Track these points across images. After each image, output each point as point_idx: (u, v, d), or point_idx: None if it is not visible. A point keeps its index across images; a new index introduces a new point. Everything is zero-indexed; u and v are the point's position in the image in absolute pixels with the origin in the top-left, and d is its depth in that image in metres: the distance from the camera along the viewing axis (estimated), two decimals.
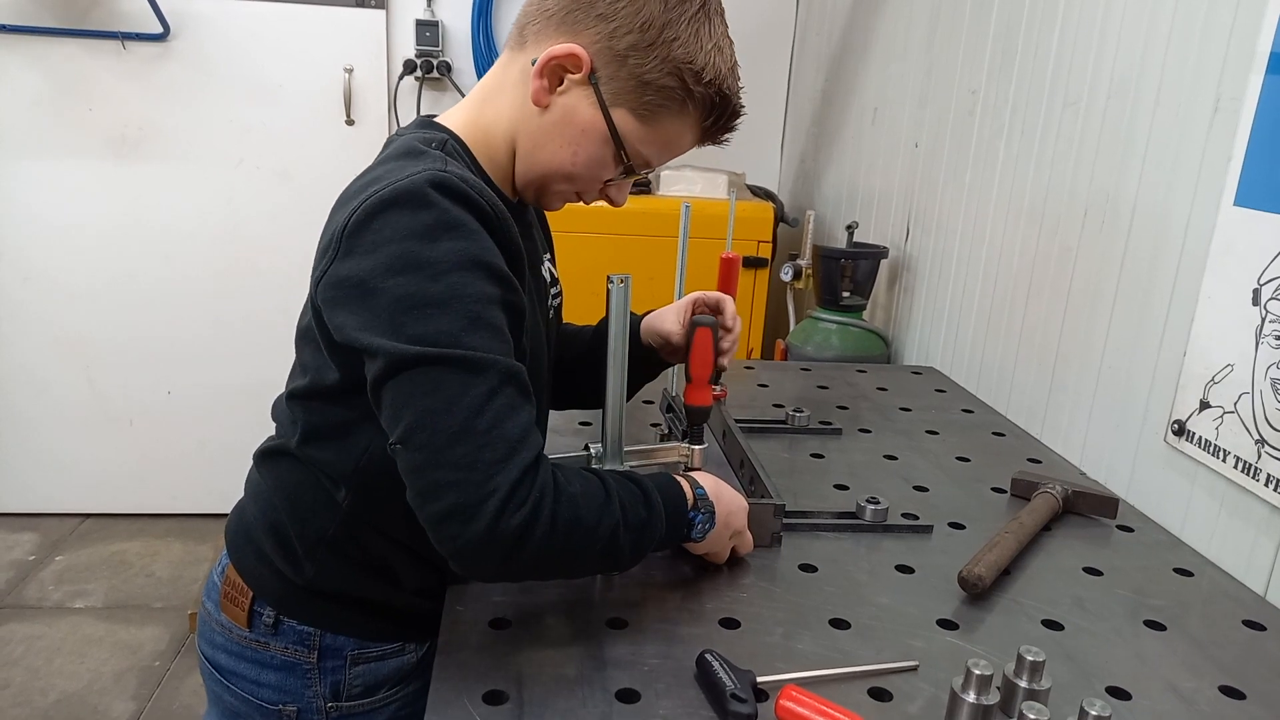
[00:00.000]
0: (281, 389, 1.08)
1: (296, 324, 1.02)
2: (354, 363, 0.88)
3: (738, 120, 1.02)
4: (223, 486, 1.13)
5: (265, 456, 1.08)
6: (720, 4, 1.00)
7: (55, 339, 3.36)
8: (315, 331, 0.95)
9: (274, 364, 1.10)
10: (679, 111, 0.98)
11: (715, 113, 0.99)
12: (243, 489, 1.12)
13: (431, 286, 0.83)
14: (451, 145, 0.98)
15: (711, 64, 0.96)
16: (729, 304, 1.23)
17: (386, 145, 1.03)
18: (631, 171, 1.02)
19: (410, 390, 0.82)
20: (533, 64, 0.96)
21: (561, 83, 0.97)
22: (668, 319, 1.24)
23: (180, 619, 2.90)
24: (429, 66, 3.26)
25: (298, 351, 1.03)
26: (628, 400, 1.06)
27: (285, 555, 1.03)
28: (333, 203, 0.96)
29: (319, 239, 0.94)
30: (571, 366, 1.26)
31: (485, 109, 1.03)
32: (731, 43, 1.00)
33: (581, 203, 1.08)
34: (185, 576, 3.16)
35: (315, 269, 0.92)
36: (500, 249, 0.89)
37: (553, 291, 1.17)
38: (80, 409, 3.43)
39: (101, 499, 3.52)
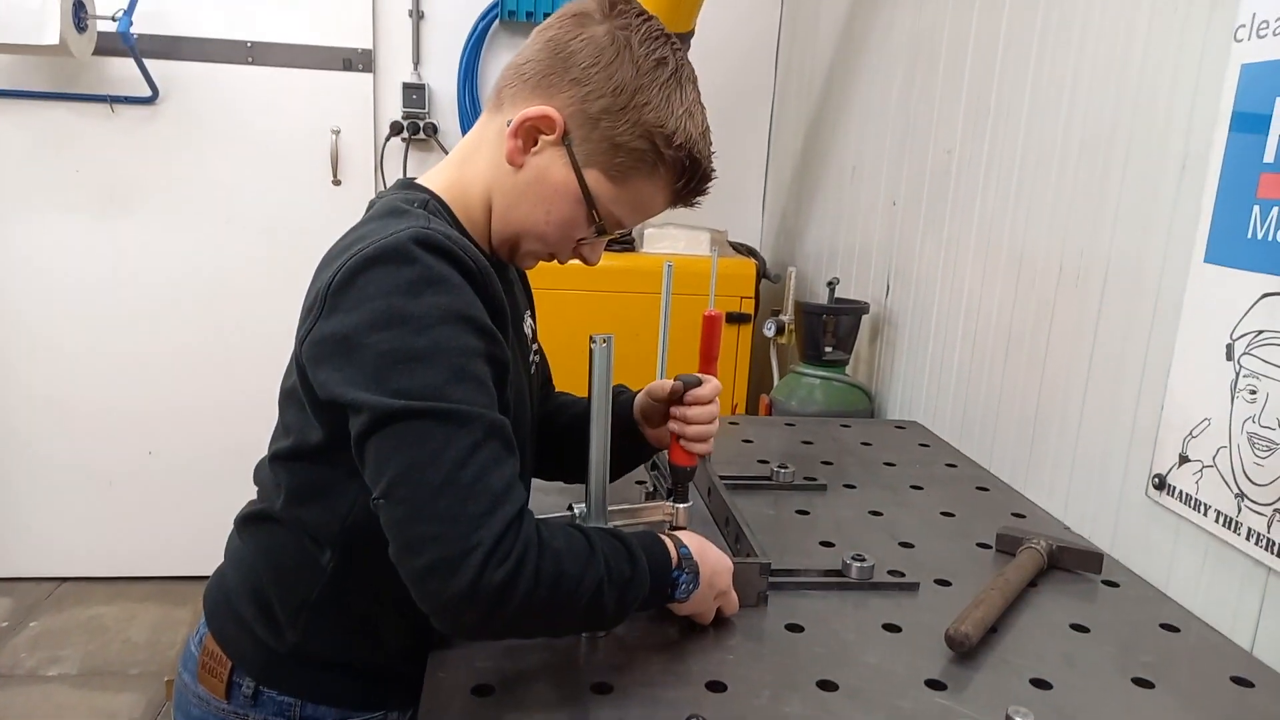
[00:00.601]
0: (264, 451, 1.07)
1: (280, 385, 1.02)
2: (338, 421, 0.88)
3: (709, 184, 1.04)
4: (203, 548, 1.12)
5: (246, 522, 1.07)
6: (693, 72, 1.02)
7: (35, 399, 3.33)
8: (300, 391, 0.94)
9: (257, 425, 1.10)
10: (650, 174, 1.00)
11: (686, 175, 1.01)
12: (223, 551, 1.11)
13: (415, 341, 0.83)
14: (433, 204, 1.00)
15: (682, 128, 0.98)
16: (710, 385, 1.17)
17: (370, 207, 1.04)
18: (603, 231, 1.03)
19: (395, 444, 0.82)
20: (508, 125, 0.99)
21: (535, 143, 0.99)
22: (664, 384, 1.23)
23: (157, 685, 2.83)
24: (415, 128, 3.31)
25: (281, 413, 1.02)
26: (613, 480, 1.06)
27: (267, 622, 1.01)
28: (318, 263, 0.97)
29: (304, 300, 0.94)
30: (560, 437, 1.25)
31: (464, 169, 1.05)
32: (704, 109, 1.02)
33: (556, 262, 1.09)
34: (163, 641, 3.09)
35: (300, 329, 0.92)
36: (484, 303, 0.90)
37: (533, 349, 1.18)
38: (59, 470, 3.39)
39: (78, 562, 3.46)
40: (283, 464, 1.00)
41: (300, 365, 0.92)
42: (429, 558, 0.79)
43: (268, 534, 1.03)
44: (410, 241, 0.86)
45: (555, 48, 0.98)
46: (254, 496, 1.09)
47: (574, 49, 0.97)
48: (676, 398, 1.15)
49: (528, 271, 1.20)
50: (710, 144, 1.03)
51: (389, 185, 1.09)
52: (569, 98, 0.97)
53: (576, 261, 1.09)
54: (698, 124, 1.00)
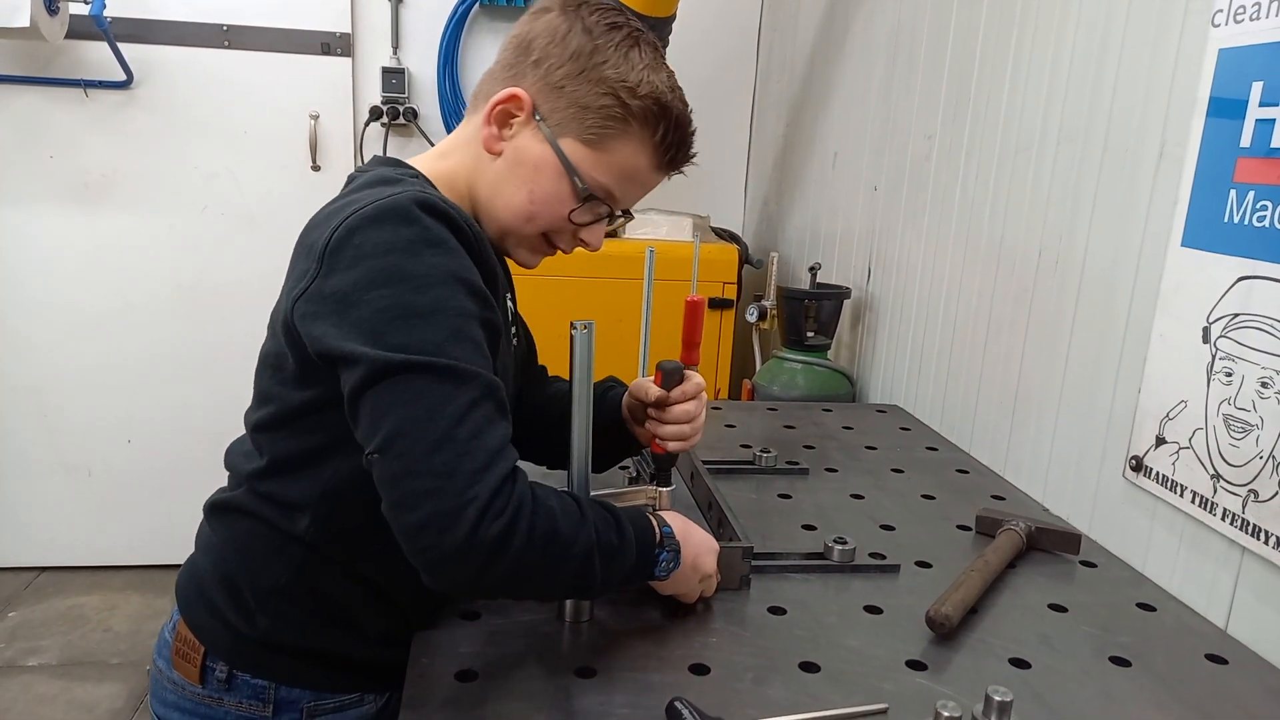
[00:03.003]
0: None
1: (258, 355, 1.02)
2: (326, 381, 0.88)
3: (690, 135, 1.05)
4: (183, 537, 1.11)
5: (214, 509, 1.07)
6: (656, 43, 1.05)
7: (14, 388, 3.29)
8: (287, 353, 0.94)
9: (237, 413, 1.09)
10: (623, 131, 1.01)
11: (660, 126, 1.02)
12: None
13: (416, 298, 0.84)
14: (423, 179, 1.02)
15: (645, 80, 1.00)
16: (693, 380, 1.18)
17: (349, 182, 1.04)
18: (592, 199, 1.03)
19: (392, 398, 0.82)
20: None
21: (510, 127, 1.02)
22: (648, 386, 1.21)
23: (138, 675, 2.82)
24: (395, 113, 3.28)
25: (257, 383, 1.02)
26: (602, 470, 1.07)
27: (238, 608, 1.01)
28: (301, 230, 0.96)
29: (290, 266, 0.94)
30: (551, 427, 1.24)
31: (442, 162, 1.07)
32: (670, 71, 1.04)
33: (561, 250, 1.10)
34: (144, 630, 3.08)
35: (291, 290, 0.92)
36: (478, 268, 0.91)
37: (513, 330, 1.17)
38: (38, 460, 3.35)
39: (57, 552, 3.43)
40: (264, 434, 1.00)
41: (289, 325, 0.91)
42: (424, 512, 0.79)
43: (235, 520, 1.03)
44: (411, 203, 0.88)
45: (517, 42, 1.04)
46: (224, 484, 1.08)
47: (532, 35, 1.03)
48: (659, 403, 1.16)
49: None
50: (681, 96, 1.04)
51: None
52: (534, 77, 1.02)
53: (559, 248, 1.10)
54: (663, 78, 1.02)
